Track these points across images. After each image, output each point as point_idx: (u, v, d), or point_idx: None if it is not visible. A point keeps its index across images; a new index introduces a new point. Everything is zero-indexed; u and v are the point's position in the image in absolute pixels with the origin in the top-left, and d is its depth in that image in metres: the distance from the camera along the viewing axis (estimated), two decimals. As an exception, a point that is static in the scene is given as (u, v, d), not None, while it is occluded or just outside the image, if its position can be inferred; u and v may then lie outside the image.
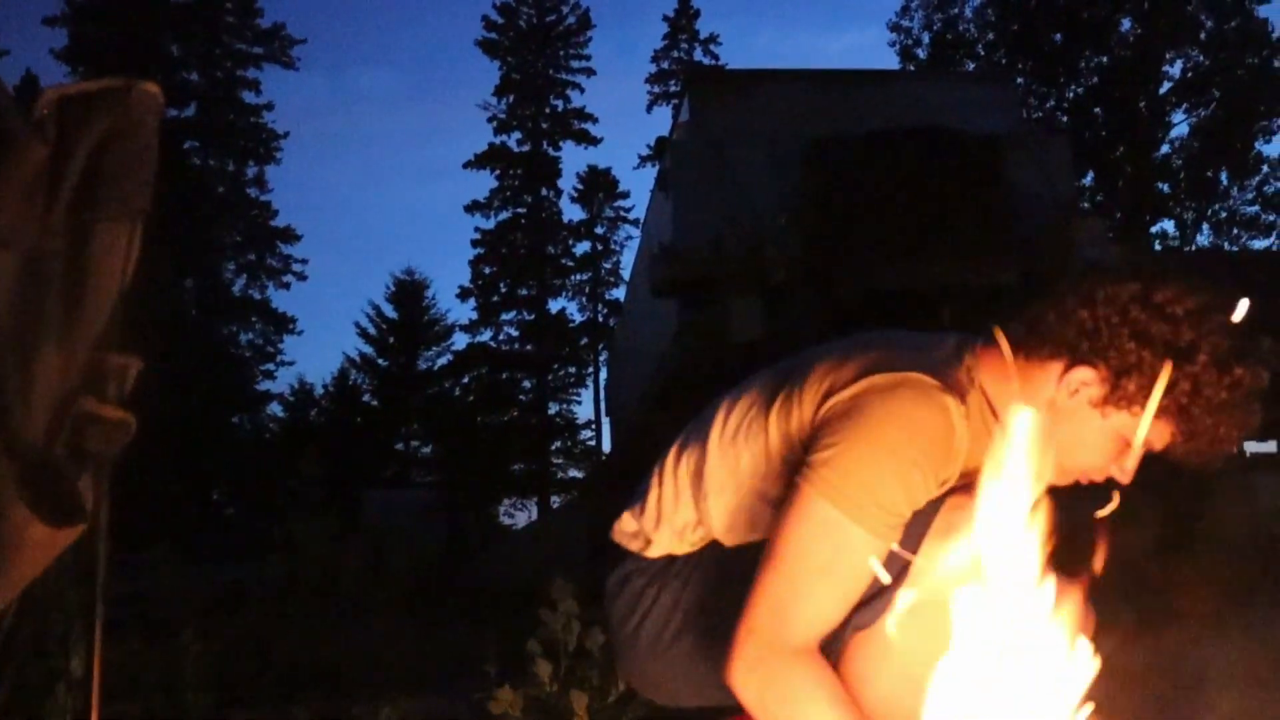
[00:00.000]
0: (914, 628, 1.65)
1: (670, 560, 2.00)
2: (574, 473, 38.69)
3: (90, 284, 1.74)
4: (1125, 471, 1.78)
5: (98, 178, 1.77)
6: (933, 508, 1.73)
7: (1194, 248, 31.65)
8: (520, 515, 36.11)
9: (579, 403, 40.31)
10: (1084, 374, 1.73)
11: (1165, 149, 32.19)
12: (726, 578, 1.92)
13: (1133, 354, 1.69)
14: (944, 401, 1.71)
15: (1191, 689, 3.25)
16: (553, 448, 39.18)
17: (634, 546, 2.07)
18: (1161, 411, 1.69)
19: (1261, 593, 4.77)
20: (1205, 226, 32.82)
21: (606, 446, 32.61)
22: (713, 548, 1.97)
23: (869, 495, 1.66)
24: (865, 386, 1.73)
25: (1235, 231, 32.93)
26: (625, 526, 2.12)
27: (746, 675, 1.67)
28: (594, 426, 39.08)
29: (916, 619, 1.65)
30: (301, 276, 37.35)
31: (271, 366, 37.19)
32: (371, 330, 38.77)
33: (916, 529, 1.72)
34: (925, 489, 1.70)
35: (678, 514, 2.00)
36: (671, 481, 2.03)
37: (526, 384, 39.61)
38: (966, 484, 1.73)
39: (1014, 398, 1.77)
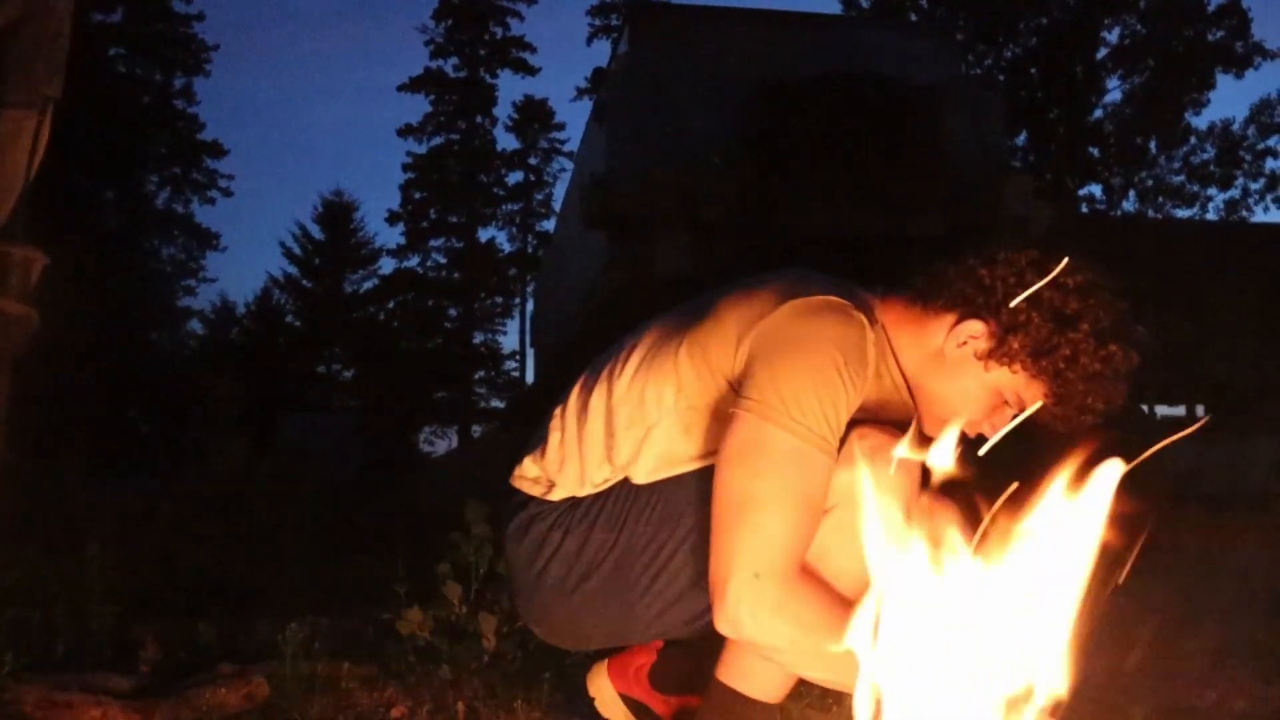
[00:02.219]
0: (825, 532, 1.76)
1: (574, 503, 1.99)
2: (496, 403, 38.62)
3: (-6, 173, 1.67)
4: (995, 428, 1.89)
5: (5, 62, 1.69)
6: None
7: (1120, 213, 32.20)
8: (441, 444, 35.99)
9: (504, 333, 40.13)
10: (974, 327, 1.83)
11: (1098, 113, 32.59)
12: (635, 517, 1.92)
13: (1022, 314, 1.79)
14: (860, 319, 1.78)
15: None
16: (476, 377, 39.06)
17: (536, 491, 2.05)
18: (1039, 373, 1.80)
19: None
20: (1132, 193, 33.36)
21: (530, 378, 32.58)
22: (618, 489, 1.96)
23: (812, 412, 1.69)
24: (788, 311, 1.78)
25: (1160, 200, 33.54)
26: (526, 472, 2.10)
27: (766, 616, 1.67)
28: (519, 358, 39.06)
29: (828, 528, 1.76)
30: (227, 193, 36.72)
31: (193, 282, 36.61)
32: (297, 251, 38.20)
33: None
34: (854, 401, 1.76)
35: (582, 456, 1.99)
36: (575, 423, 2.01)
37: (452, 312, 39.36)
38: (871, 417, 1.85)
39: (908, 342, 1.90)
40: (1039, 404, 1.83)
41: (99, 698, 2.33)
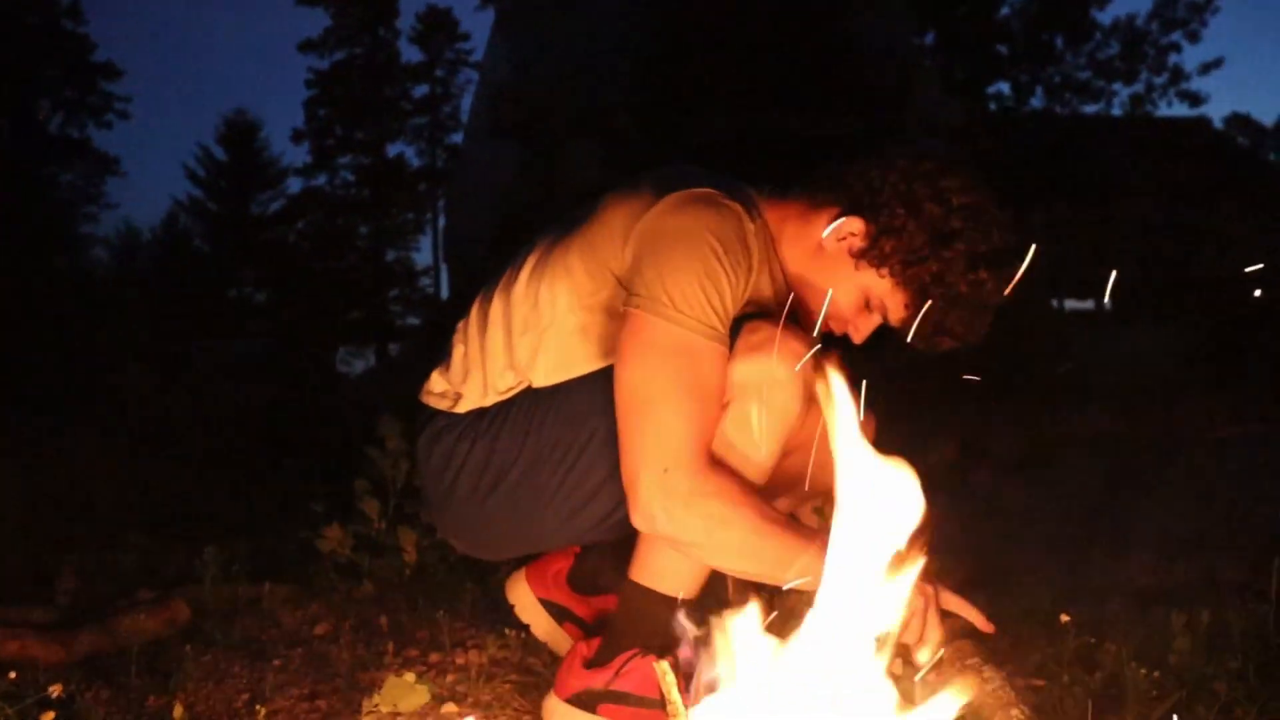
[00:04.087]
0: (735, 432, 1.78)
1: (480, 413, 2.01)
2: (412, 320, 38.28)
3: None
4: (859, 332, 1.94)
5: None
6: (732, 329, 1.80)
7: (1028, 109, 32.52)
8: (358, 364, 35.64)
9: (418, 250, 39.77)
10: (854, 224, 1.87)
11: (1005, 11, 32.72)
12: (539, 422, 1.94)
13: (900, 219, 1.82)
14: (737, 209, 1.81)
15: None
16: (391, 295, 38.65)
17: (443, 405, 2.06)
18: (905, 282, 1.84)
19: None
20: (1039, 89, 33.66)
21: (445, 293, 32.31)
22: (521, 396, 1.97)
23: (698, 303, 1.72)
24: (665, 205, 1.81)
25: (1068, 96, 33.89)
26: (433, 386, 2.11)
27: (678, 510, 1.70)
28: (433, 273, 38.67)
29: (726, 420, 1.78)
30: (125, 115, 35.61)
31: (95, 209, 35.60)
32: (201, 173, 37.26)
33: None
34: (738, 288, 1.78)
35: (485, 365, 2.00)
36: (478, 334, 2.02)
37: (363, 230, 38.78)
38: (759, 310, 1.88)
39: (792, 235, 1.94)
40: (900, 315, 1.87)
41: (16, 630, 2.30)
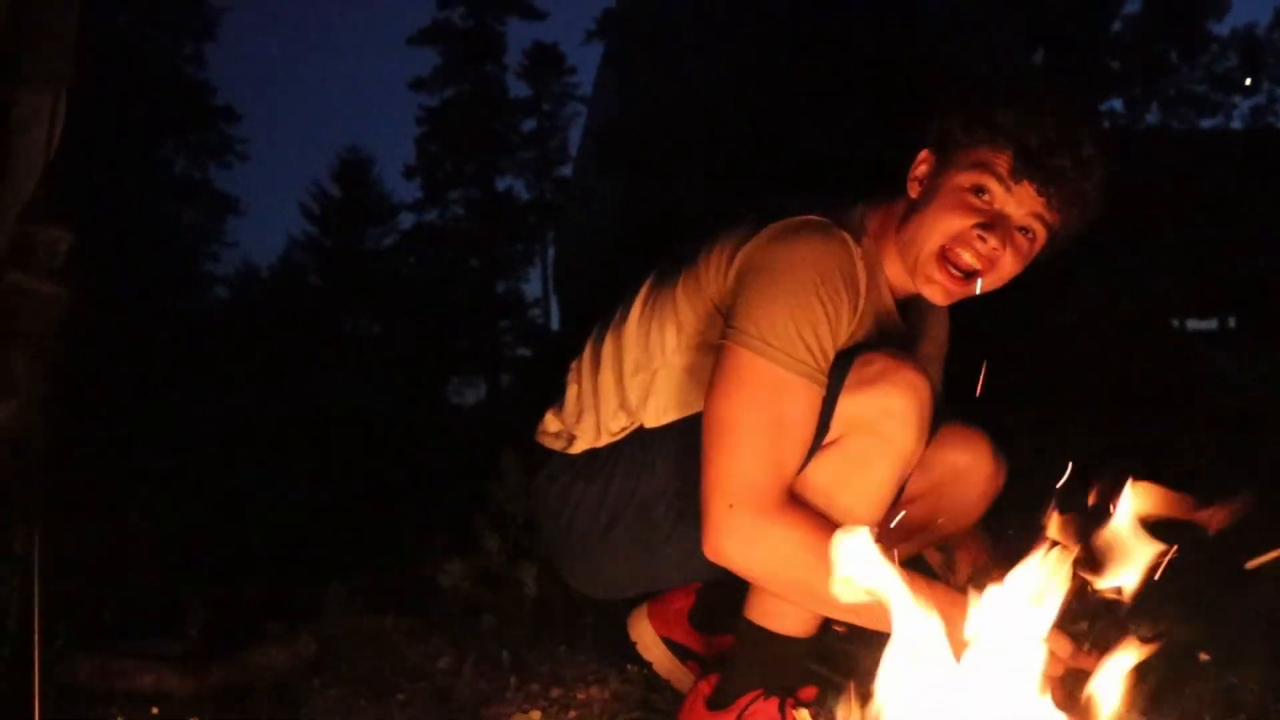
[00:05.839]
0: (834, 463, 1.74)
1: (593, 454, 2.01)
2: (523, 351, 38.63)
3: (14, 154, 1.67)
4: (985, 233, 1.78)
5: (16, 44, 1.69)
6: (844, 360, 1.76)
7: (1143, 125, 31.80)
8: (470, 394, 36.07)
9: (527, 281, 40.21)
10: (921, 155, 1.86)
11: (1117, 25, 32.07)
12: (651, 463, 1.93)
13: (955, 130, 1.81)
14: (842, 235, 1.76)
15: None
16: (501, 326, 39.06)
17: (557, 446, 2.07)
18: (974, 141, 1.79)
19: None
20: (1155, 104, 32.89)
21: (556, 324, 32.56)
22: (633, 437, 1.97)
23: (789, 336, 1.68)
24: (766, 235, 1.77)
25: (1184, 110, 33.07)
26: (548, 427, 2.12)
27: (740, 547, 1.67)
28: (542, 304, 38.99)
29: (836, 457, 1.74)
30: (243, 156, 36.63)
31: (215, 248, 36.66)
32: (316, 210, 38.14)
33: (832, 385, 1.75)
34: (842, 322, 1.74)
35: (598, 406, 2.00)
36: (591, 375, 2.02)
37: (474, 263, 39.29)
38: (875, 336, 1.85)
39: (893, 239, 1.87)
40: (1003, 162, 1.77)
41: (152, 663, 2.36)
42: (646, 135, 8.51)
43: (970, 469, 2.04)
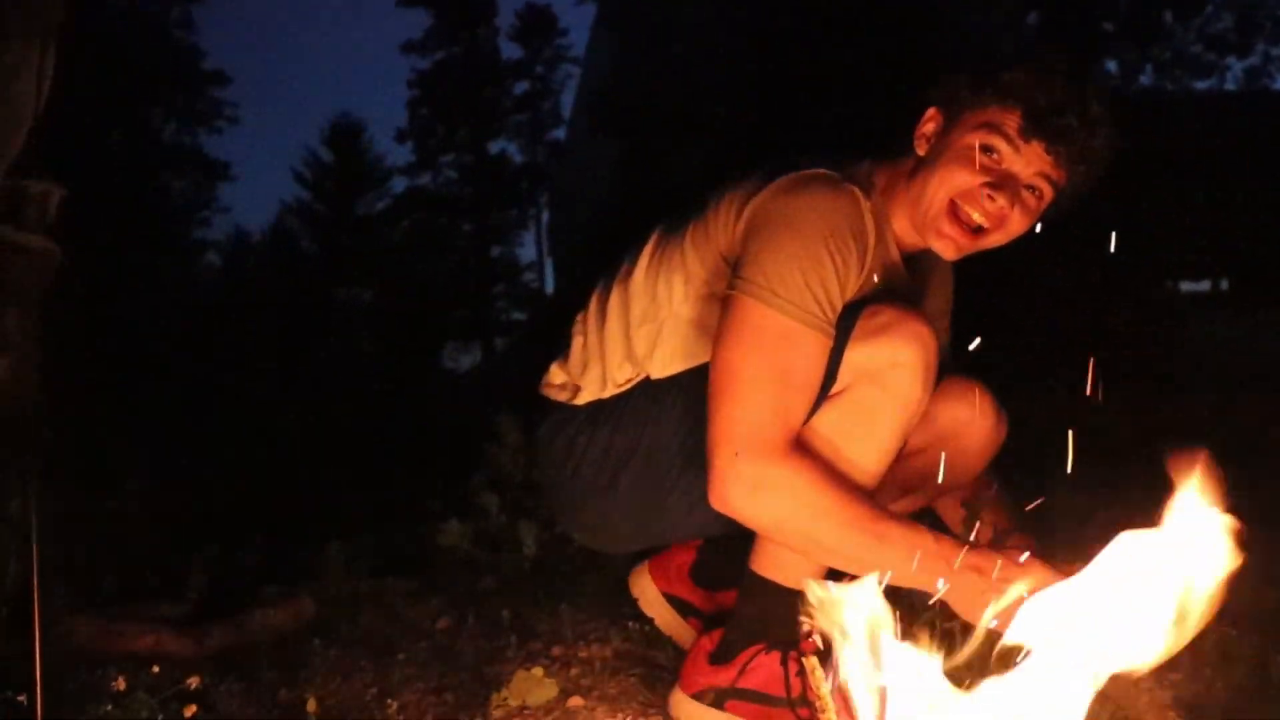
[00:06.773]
0: (841, 413, 1.75)
1: (599, 405, 2.00)
2: (517, 315, 38.59)
3: (2, 106, 1.64)
4: (994, 192, 1.80)
5: (4, -5, 1.66)
6: (851, 312, 1.75)
7: (1136, 87, 31.72)
8: (465, 359, 36.07)
9: (521, 245, 40.08)
10: (928, 113, 1.88)
11: (1111, -14, 31.92)
12: (657, 414, 1.93)
13: (964, 90, 1.84)
14: (851, 189, 1.77)
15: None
16: (495, 291, 39.01)
17: (562, 397, 2.07)
18: (982, 103, 1.82)
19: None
20: (1149, 66, 32.79)
21: (550, 288, 32.56)
22: (638, 387, 1.96)
23: (797, 287, 1.68)
24: (776, 187, 1.78)
25: (1178, 73, 32.96)
26: (552, 379, 2.12)
27: (745, 495, 1.67)
28: (537, 268, 38.96)
29: (842, 407, 1.75)
30: (234, 120, 36.44)
31: (206, 213, 36.54)
32: (308, 175, 37.98)
33: (839, 336, 1.75)
34: (850, 274, 1.74)
35: (604, 357, 2.00)
36: (597, 326, 2.02)
37: (467, 227, 39.19)
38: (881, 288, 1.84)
39: (900, 197, 1.89)
40: (1012, 122, 1.79)
41: (151, 625, 2.36)
42: (641, 97, 8.46)
43: (971, 422, 2.04)
